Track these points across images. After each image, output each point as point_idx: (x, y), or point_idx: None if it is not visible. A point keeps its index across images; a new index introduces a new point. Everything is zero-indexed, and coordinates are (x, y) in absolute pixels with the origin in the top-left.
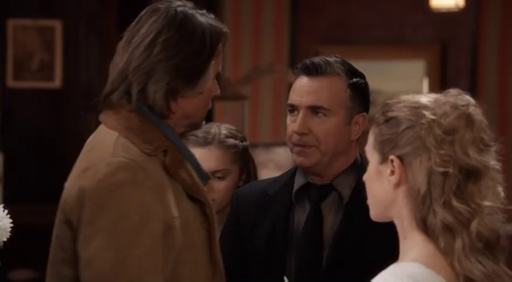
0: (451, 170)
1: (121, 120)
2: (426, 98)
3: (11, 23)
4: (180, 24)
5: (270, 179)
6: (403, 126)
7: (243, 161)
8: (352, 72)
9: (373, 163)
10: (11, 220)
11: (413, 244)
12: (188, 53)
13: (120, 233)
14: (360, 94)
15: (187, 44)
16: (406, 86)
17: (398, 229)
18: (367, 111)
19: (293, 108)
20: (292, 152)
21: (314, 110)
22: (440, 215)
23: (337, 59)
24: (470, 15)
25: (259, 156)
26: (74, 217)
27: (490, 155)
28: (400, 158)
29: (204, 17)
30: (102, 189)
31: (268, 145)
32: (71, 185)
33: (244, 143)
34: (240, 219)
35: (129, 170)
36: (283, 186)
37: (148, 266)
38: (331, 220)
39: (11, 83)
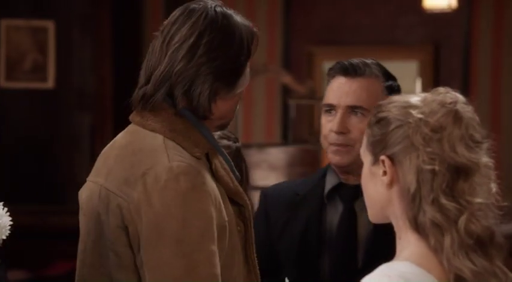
0: (439, 167)
1: (164, 122)
2: (416, 97)
3: (4, 23)
4: (221, 26)
5: (298, 179)
6: (392, 126)
7: (236, 162)
8: (388, 75)
9: (366, 165)
10: (10, 218)
11: (407, 244)
12: (230, 54)
13: (187, 239)
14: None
15: (229, 45)
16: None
17: (395, 229)
18: None
19: (330, 108)
20: (327, 151)
21: (353, 110)
22: (429, 213)
23: (373, 61)
24: (463, 15)
25: (253, 156)
26: (133, 223)
27: (481, 152)
28: (391, 158)
29: (238, 17)
30: (165, 196)
31: (262, 146)
32: (124, 189)
33: (237, 144)
34: (270, 219)
35: (189, 174)
36: (314, 187)
37: (214, 270)
38: (364, 220)
39: (3, 83)
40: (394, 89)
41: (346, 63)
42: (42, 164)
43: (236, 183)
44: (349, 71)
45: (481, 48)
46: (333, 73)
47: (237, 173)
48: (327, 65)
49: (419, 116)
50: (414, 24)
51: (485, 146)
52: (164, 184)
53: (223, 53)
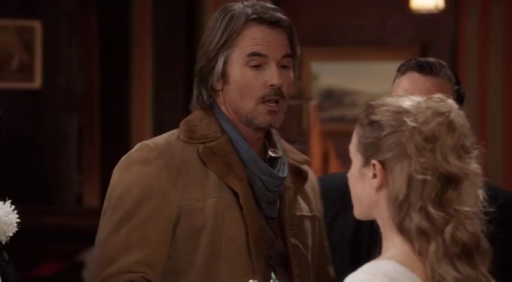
0: (430, 177)
1: (188, 115)
2: (409, 102)
3: None
4: (208, 25)
5: None
6: (385, 132)
7: None
8: (457, 80)
9: (356, 165)
10: (17, 215)
11: (392, 245)
12: (205, 48)
13: (122, 206)
14: (460, 101)
15: (207, 35)
16: (387, 87)
17: (381, 229)
18: None
19: None
20: None
21: None
22: (415, 220)
23: (446, 64)
24: (450, 16)
25: None
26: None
27: (471, 159)
28: (382, 163)
29: (239, 5)
30: (118, 168)
31: None
32: None
33: None
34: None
35: (143, 150)
36: None
37: (136, 239)
38: None
39: None
40: (461, 95)
41: (422, 60)
42: (30, 165)
43: (237, 171)
44: (425, 68)
45: (467, 48)
46: (404, 69)
47: (272, 174)
48: (315, 65)
49: (413, 124)
50: (402, 24)
51: (474, 153)
52: (122, 159)
53: (202, 48)
